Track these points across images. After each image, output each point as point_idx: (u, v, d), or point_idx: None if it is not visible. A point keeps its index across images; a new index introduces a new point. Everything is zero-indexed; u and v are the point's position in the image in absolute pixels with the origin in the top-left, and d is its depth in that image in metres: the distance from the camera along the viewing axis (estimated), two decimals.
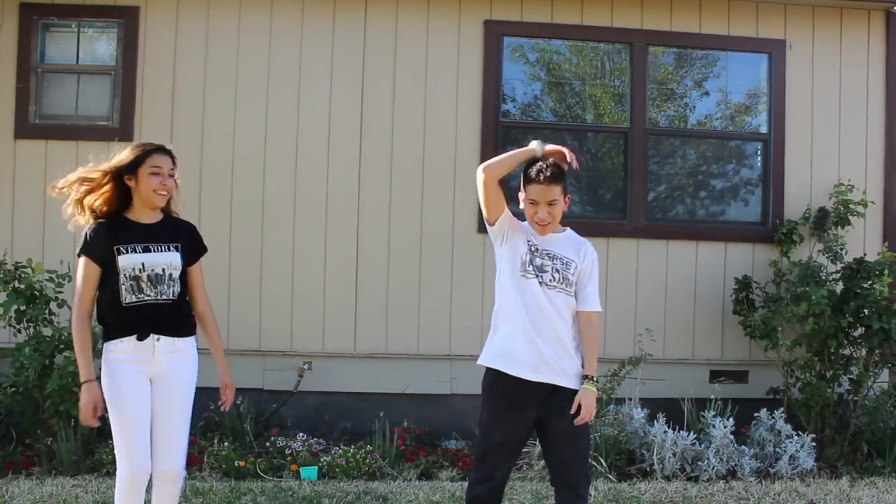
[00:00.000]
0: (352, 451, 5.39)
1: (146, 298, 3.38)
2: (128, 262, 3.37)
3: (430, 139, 6.32)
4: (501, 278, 3.44)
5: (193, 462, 5.25)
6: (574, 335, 3.43)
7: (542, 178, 3.36)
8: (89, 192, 3.44)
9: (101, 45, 6.34)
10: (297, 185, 6.23)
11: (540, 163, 3.40)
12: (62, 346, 5.27)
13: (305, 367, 6.08)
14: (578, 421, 3.32)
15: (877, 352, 5.86)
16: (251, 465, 5.28)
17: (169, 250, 3.45)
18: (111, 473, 5.16)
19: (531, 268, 3.37)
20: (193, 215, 5.78)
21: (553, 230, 3.46)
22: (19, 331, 5.43)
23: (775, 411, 5.82)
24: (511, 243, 3.41)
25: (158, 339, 3.39)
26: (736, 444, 5.60)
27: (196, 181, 5.99)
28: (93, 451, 5.38)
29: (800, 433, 5.69)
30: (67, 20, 6.21)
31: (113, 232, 3.40)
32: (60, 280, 5.46)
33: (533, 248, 3.40)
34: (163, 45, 6.17)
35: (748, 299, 6.25)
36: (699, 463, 5.47)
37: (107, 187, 3.42)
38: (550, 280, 3.37)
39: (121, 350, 3.38)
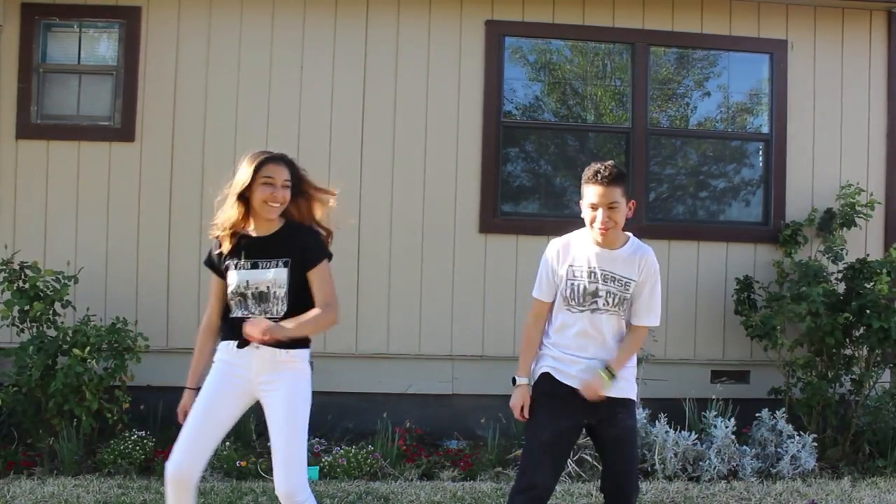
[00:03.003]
0: (353, 451, 5.39)
1: (251, 316, 3.32)
2: (234, 279, 3.36)
3: (432, 139, 6.32)
4: (556, 300, 3.40)
5: None
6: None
7: (600, 178, 3.24)
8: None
9: (102, 46, 6.33)
10: None
11: (599, 163, 3.31)
12: (66, 347, 5.27)
13: None
14: (586, 391, 3.23)
15: (877, 351, 5.86)
16: (252, 465, 5.28)
17: (277, 266, 3.34)
18: (113, 474, 5.17)
19: (573, 302, 3.33)
20: (195, 216, 5.87)
21: (616, 238, 3.33)
22: (22, 330, 5.44)
23: (777, 411, 5.82)
24: (559, 281, 3.38)
25: (258, 348, 3.29)
26: (737, 445, 5.60)
27: (198, 181, 5.99)
28: (95, 451, 5.39)
29: (801, 433, 5.68)
30: (69, 20, 6.20)
31: (229, 246, 3.39)
32: (66, 281, 5.46)
33: (583, 274, 3.31)
34: (164, 45, 6.16)
35: (750, 299, 6.24)
36: (701, 463, 5.47)
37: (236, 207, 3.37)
38: (604, 305, 3.31)
39: (223, 351, 3.40)
